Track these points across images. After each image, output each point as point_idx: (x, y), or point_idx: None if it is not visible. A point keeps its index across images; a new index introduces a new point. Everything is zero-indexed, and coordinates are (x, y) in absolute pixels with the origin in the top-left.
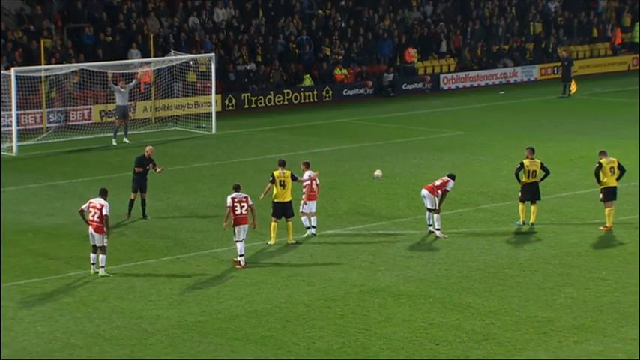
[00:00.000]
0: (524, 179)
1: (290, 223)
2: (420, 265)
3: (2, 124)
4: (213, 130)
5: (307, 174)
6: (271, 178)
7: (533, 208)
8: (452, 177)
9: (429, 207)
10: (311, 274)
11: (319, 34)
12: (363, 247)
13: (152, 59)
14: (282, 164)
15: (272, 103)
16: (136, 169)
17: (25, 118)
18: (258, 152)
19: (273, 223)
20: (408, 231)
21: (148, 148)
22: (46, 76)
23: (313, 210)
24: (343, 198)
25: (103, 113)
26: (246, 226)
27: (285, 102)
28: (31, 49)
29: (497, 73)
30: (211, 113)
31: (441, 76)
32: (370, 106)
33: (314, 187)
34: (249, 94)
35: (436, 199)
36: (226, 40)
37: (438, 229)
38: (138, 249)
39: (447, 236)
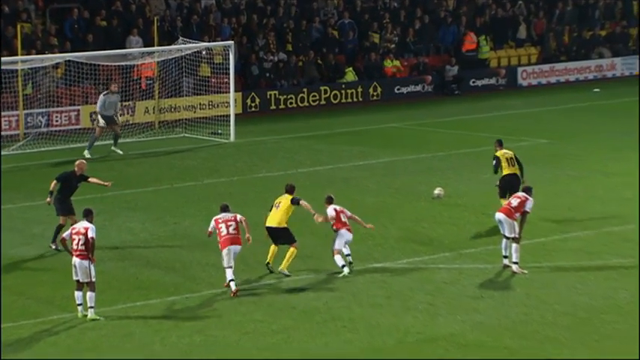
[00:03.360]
0: (505, 170)
1: (293, 249)
2: (491, 308)
3: None
4: (232, 138)
5: (331, 209)
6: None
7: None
8: (528, 191)
9: (507, 234)
10: (353, 319)
11: (365, 16)
12: (420, 284)
13: (156, 48)
14: (289, 191)
15: (305, 104)
16: (52, 185)
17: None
18: (287, 165)
19: (272, 247)
20: (476, 265)
21: (78, 162)
22: (24, 70)
23: (346, 239)
24: (394, 223)
25: (94, 116)
26: (238, 247)
27: (322, 102)
28: (4, 36)
29: (591, 66)
30: (229, 116)
31: (519, 69)
32: (429, 107)
33: (343, 218)
34: (276, 93)
35: (515, 223)
36: (248, 24)
37: (515, 263)
38: (137, 286)
39: (526, 272)
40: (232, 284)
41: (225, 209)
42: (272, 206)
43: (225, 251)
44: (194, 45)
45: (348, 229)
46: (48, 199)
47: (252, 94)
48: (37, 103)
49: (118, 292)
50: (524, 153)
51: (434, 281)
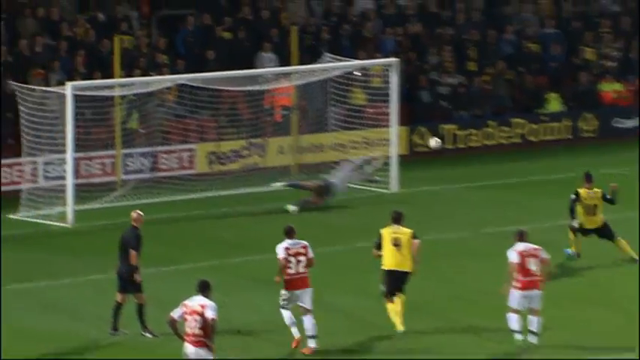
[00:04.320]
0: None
1: (403, 297)
2: None
3: (49, 174)
4: (394, 187)
5: (518, 249)
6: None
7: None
8: None
9: None
10: None
11: (575, 24)
12: None
13: (294, 68)
14: (396, 220)
15: (493, 141)
16: (132, 252)
17: (87, 165)
18: (470, 223)
19: (389, 305)
20: None
21: (136, 215)
22: (123, 97)
23: (535, 306)
24: (615, 305)
25: (212, 158)
26: (309, 290)
27: (516, 139)
28: (98, 51)
29: None
30: (390, 158)
31: None
32: None
33: (532, 268)
34: (455, 127)
35: None
36: (417, 35)
37: None
38: None
39: None
40: (312, 342)
41: (290, 234)
42: (378, 243)
43: (290, 294)
44: (345, 64)
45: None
46: (137, 276)
47: (421, 128)
48: (141, 140)
49: None
50: None
51: None
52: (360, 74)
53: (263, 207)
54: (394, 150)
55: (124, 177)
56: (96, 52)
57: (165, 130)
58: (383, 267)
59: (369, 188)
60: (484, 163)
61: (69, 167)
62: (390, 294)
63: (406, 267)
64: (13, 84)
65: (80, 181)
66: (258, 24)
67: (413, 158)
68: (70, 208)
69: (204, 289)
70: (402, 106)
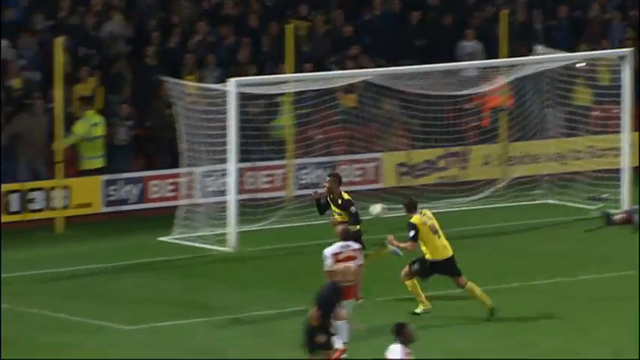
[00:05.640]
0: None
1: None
2: None
3: (209, 188)
4: (625, 204)
5: None
6: (413, 233)
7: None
8: None
9: None
10: None
11: None
12: None
13: (504, 61)
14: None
15: None
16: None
17: (252, 177)
18: None
19: (412, 281)
20: None
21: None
22: (298, 94)
23: None
24: None
25: (403, 170)
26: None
27: None
28: (266, 40)
29: None
30: (622, 171)
31: None
32: None
33: None
34: None
35: None
36: None
37: None
38: None
39: None
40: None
41: (345, 235)
42: (414, 235)
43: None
44: (566, 55)
45: None
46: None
47: None
48: (318, 147)
49: None
50: None
51: None
52: (584, 64)
53: (462, 229)
54: (626, 161)
55: (297, 192)
56: (260, 41)
57: (346, 137)
58: (428, 257)
59: (594, 207)
60: None
61: (232, 180)
62: (425, 278)
63: (450, 251)
64: (167, 80)
65: (244, 196)
66: (459, 5)
67: None
68: (231, 228)
69: (400, 331)
70: (638, 108)
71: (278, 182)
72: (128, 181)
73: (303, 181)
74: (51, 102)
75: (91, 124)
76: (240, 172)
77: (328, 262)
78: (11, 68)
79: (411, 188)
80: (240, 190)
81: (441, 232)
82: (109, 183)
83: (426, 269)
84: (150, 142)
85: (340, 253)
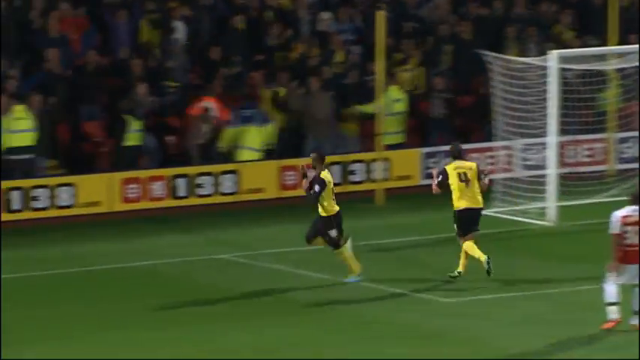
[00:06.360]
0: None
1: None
2: None
3: (528, 162)
4: None
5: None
6: (440, 178)
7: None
8: None
9: None
10: None
11: None
12: None
13: None
14: (457, 155)
15: None
16: None
17: (572, 150)
18: None
19: (466, 243)
20: None
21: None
22: (621, 70)
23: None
24: None
25: None
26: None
27: None
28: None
29: None
30: None
31: None
32: None
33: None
34: None
35: None
36: None
37: None
38: None
39: None
40: (636, 319)
41: (636, 200)
42: (442, 181)
43: (624, 268)
44: None
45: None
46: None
47: None
48: (634, 122)
49: None
50: None
51: None
52: None
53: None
54: None
55: (618, 166)
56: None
57: None
58: (454, 207)
59: None
60: None
61: (551, 154)
62: (465, 234)
63: (478, 203)
64: (487, 53)
65: (564, 170)
66: None
67: None
68: (552, 202)
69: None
70: None
71: (599, 156)
72: (448, 153)
73: (624, 155)
74: (370, 75)
75: (392, 100)
76: (561, 146)
77: (614, 225)
78: (335, 41)
79: None
80: (561, 165)
81: (474, 182)
82: (428, 155)
83: (455, 221)
84: (463, 116)
85: (629, 216)
